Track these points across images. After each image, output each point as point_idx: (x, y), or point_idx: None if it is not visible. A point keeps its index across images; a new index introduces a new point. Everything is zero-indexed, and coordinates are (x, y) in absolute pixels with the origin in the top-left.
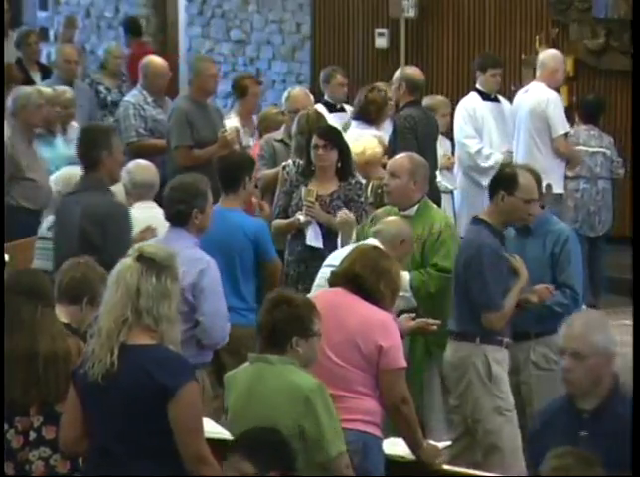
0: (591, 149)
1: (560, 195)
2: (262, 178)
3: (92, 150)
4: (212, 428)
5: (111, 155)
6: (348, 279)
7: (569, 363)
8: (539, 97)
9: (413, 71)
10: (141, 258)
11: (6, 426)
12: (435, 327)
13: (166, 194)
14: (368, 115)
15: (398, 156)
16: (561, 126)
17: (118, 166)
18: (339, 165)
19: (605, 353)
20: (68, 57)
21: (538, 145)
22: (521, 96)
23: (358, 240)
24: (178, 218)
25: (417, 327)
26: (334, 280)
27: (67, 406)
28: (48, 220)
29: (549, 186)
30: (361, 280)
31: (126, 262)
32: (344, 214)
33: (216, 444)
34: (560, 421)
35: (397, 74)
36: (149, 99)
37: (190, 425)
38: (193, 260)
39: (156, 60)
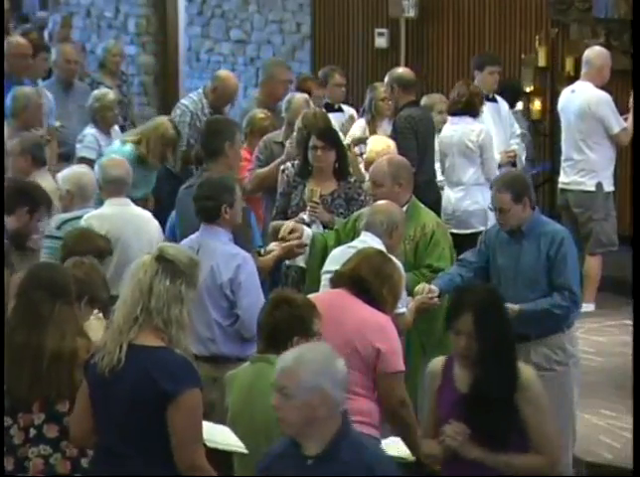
0: (518, 131)
1: (612, 193)
2: (256, 176)
3: (215, 140)
4: (225, 436)
5: (233, 146)
6: (352, 281)
7: (277, 401)
8: (588, 98)
9: (402, 70)
10: (160, 258)
11: (10, 421)
12: (437, 300)
13: (195, 193)
14: (474, 108)
15: (376, 162)
16: (617, 124)
17: (239, 158)
18: (336, 165)
19: (317, 393)
20: (68, 57)
21: (589, 145)
22: (567, 96)
23: (339, 237)
24: (208, 214)
25: (421, 303)
26: (338, 280)
27: (78, 399)
28: (55, 219)
29: (600, 184)
30: (366, 283)
31: (144, 259)
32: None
33: (220, 455)
34: (283, 466)
35: (386, 79)
36: (206, 110)
37: (187, 432)
38: (230, 256)
39: (232, 79)
